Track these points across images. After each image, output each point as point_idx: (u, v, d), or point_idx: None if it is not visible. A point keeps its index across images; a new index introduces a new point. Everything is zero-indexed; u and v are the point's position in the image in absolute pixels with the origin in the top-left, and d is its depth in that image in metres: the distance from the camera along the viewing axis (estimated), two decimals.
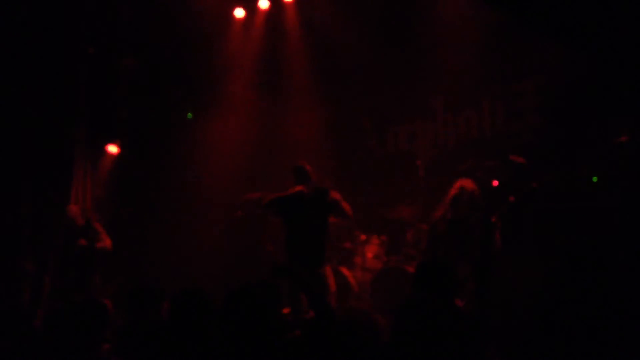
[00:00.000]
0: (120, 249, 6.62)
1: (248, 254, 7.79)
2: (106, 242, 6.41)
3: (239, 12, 8.23)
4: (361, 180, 7.81)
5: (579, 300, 4.80)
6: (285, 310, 6.30)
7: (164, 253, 7.87)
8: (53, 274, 6.68)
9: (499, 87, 7.10)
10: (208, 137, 8.37)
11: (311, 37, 8.01)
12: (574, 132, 5.99)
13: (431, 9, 7.23)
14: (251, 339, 3.05)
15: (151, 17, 8.01)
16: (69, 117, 7.87)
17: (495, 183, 6.24)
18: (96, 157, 8.01)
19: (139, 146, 8.31)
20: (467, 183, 5.00)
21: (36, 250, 7.29)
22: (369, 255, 6.88)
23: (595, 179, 5.54)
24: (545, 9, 5.71)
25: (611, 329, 4.39)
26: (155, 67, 8.42)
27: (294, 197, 5.52)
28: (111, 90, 8.21)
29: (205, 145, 8.34)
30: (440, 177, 6.88)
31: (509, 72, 6.92)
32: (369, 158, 8.11)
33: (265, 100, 8.47)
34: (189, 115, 8.65)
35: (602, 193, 5.46)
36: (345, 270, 6.69)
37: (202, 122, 8.56)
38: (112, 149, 8.04)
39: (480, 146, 7.01)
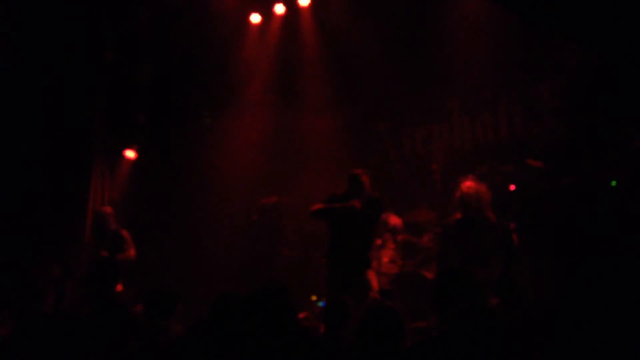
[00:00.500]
0: (138, 254, 6.67)
1: (264, 258, 7.81)
2: (129, 252, 6.45)
3: (255, 18, 8.28)
4: (377, 184, 7.78)
5: (598, 304, 4.75)
6: (301, 315, 6.32)
7: (180, 257, 7.93)
8: (76, 280, 6.75)
9: (516, 90, 7.04)
10: (225, 142, 8.41)
11: (327, 41, 8.02)
12: (591, 135, 5.93)
13: (448, 12, 7.20)
14: (267, 341, 3.08)
15: (169, 24, 8.09)
16: (88, 122, 7.98)
17: (513, 187, 6.19)
18: (114, 162, 8.10)
19: (156, 151, 8.39)
20: (472, 183, 4.98)
21: (59, 254, 7.40)
22: (385, 259, 6.85)
23: (614, 183, 5.47)
24: (563, 12, 5.65)
25: (632, 333, 4.33)
26: (173, 73, 8.50)
27: (345, 211, 5.41)
28: (129, 96, 8.32)
29: (222, 150, 8.38)
30: (457, 181, 6.87)
31: (526, 75, 6.86)
32: (385, 161, 8.08)
33: (281, 105, 8.49)
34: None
35: (621, 197, 5.39)
36: None
37: (219, 127, 8.60)
38: (130, 154, 8.13)
39: (497, 150, 6.95)
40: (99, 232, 6.55)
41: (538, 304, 4.87)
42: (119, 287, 6.38)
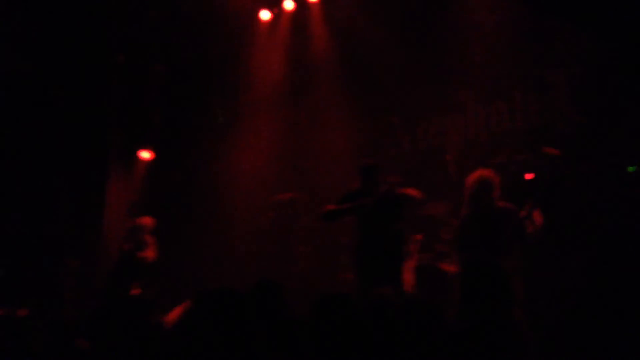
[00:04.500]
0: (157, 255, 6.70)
1: (280, 255, 7.80)
2: (150, 252, 6.50)
3: (265, 14, 8.26)
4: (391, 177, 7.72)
5: (617, 293, 4.66)
6: None
7: (197, 256, 7.95)
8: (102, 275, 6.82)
9: (531, 77, 6.91)
10: (239, 140, 8.41)
11: (337, 35, 7.97)
12: (608, 121, 5.80)
13: (460, 1, 7.10)
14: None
15: (179, 23, 8.11)
16: (103, 124, 8.04)
17: (529, 176, 6.09)
18: (129, 163, 8.15)
19: (171, 151, 8.42)
20: (479, 175, 4.87)
21: (76, 251, 7.50)
22: (407, 246, 6.75)
23: (631, 168, 5.35)
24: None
25: None
26: (186, 73, 8.52)
27: (356, 211, 5.19)
28: (143, 97, 8.35)
29: (237, 147, 8.39)
30: (472, 171, 6.77)
31: (542, 62, 6.72)
32: (399, 154, 8.00)
33: (293, 101, 8.47)
34: None
35: (638, 183, 5.28)
36: None
37: (233, 125, 8.61)
38: (145, 154, 8.18)
39: (513, 139, 6.82)
40: (133, 239, 6.60)
41: (556, 295, 4.79)
42: (136, 290, 6.42)
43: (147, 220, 6.73)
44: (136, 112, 8.22)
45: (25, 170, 7.67)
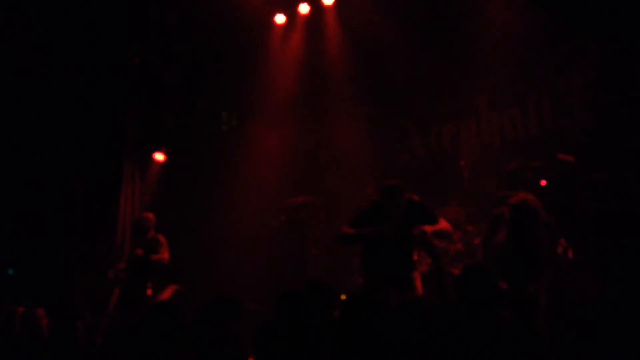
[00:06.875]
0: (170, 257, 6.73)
1: (293, 257, 7.82)
2: (164, 255, 6.51)
3: (280, 18, 8.30)
4: (404, 182, 7.71)
5: (633, 301, 4.63)
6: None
7: (210, 258, 7.98)
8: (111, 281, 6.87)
9: (545, 83, 6.90)
10: (251, 143, 8.45)
11: (352, 39, 7.99)
12: (624, 128, 5.78)
13: (475, 7, 7.10)
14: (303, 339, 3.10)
15: (195, 27, 8.17)
16: (118, 126, 8.11)
17: (544, 183, 6.07)
18: (144, 165, 8.21)
19: (184, 153, 8.47)
20: (530, 198, 4.59)
21: (87, 252, 7.56)
22: (415, 257, 6.79)
23: None
24: (594, 4, 5.52)
25: None
26: (201, 76, 8.58)
27: (376, 237, 4.91)
28: (158, 99, 8.41)
29: (249, 151, 8.42)
30: (485, 178, 6.76)
31: (557, 68, 6.71)
32: (412, 159, 8.01)
33: (307, 104, 8.50)
34: None
35: None
36: None
37: (247, 129, 8.65)
38: (159, 156, 8.23)
39: (527, 145, 6.81)
40: (138, 236, 6.63)
41: (573, 302, 4.77)
42: (149, 291, 6.45)
43: (149, 216, 6.75)
44: (151, 114, 8.28)
45: (40, 170, 7.76)
